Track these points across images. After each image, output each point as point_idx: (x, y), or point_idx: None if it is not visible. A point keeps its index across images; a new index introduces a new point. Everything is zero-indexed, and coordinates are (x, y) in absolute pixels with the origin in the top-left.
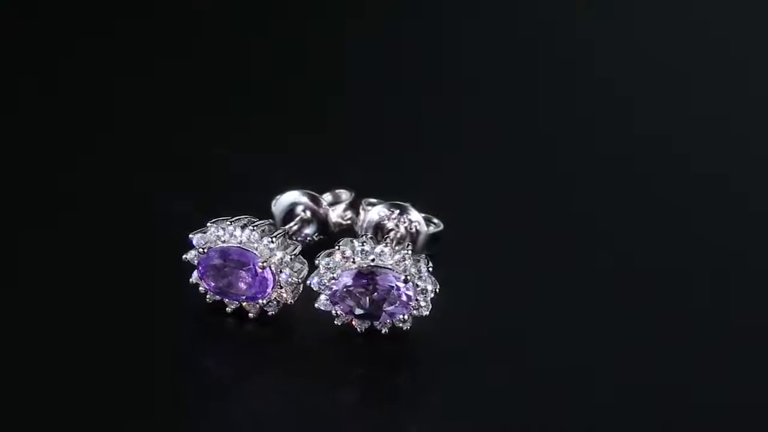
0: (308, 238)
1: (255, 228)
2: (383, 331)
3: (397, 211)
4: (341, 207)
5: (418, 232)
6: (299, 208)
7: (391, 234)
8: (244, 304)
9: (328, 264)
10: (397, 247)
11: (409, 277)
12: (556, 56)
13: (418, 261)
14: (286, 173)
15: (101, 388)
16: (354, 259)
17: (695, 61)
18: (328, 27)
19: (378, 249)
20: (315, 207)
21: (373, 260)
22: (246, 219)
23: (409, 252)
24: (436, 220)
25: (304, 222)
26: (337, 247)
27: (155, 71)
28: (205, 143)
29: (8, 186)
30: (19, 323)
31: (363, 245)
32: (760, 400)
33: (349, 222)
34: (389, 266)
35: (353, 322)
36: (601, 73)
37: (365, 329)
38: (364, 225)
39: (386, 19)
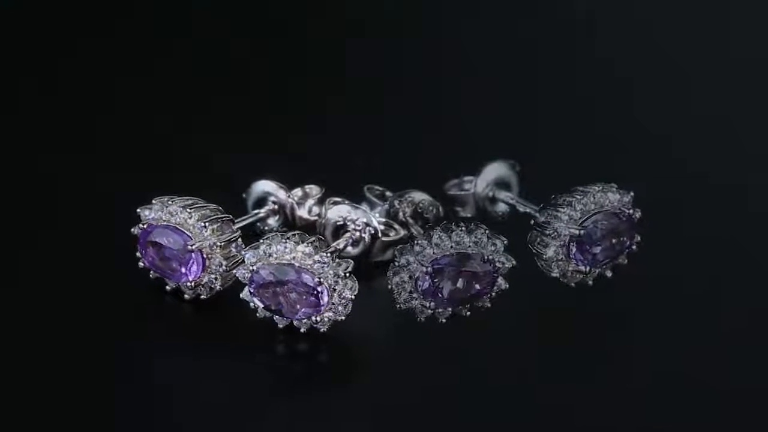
0: (266, 228)
1: (195, 211)
2: (302, 330)
3: (357, 215)
4: (310, 202)
5: (374, 237)
6: (271, 199)
7: (346, 235)
8: (180, 284)
9: (252, 257)
10: (321, 248)
11: (323, 279)
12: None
13: (340, 265)
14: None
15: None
16: (274, 255)
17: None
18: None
19: (299, 248)
20: (283, 199)
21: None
22: (192, 200)
23: (332, 255)
24: (396, 226)
25: (271, 212)
26: (262, 242)
27: (155, 71)
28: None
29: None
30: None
31: (286, 242)
32: None
33: (315, 218)
34: (306, 266)
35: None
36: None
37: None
38: (324, 222)
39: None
